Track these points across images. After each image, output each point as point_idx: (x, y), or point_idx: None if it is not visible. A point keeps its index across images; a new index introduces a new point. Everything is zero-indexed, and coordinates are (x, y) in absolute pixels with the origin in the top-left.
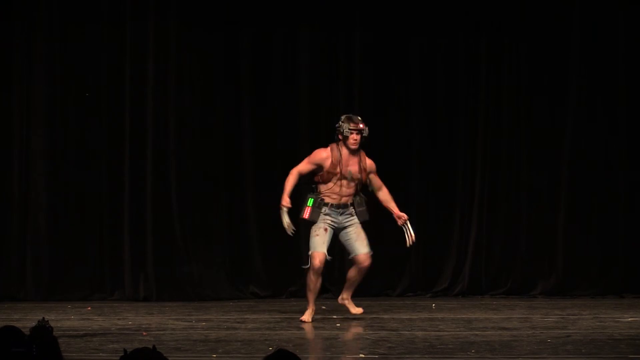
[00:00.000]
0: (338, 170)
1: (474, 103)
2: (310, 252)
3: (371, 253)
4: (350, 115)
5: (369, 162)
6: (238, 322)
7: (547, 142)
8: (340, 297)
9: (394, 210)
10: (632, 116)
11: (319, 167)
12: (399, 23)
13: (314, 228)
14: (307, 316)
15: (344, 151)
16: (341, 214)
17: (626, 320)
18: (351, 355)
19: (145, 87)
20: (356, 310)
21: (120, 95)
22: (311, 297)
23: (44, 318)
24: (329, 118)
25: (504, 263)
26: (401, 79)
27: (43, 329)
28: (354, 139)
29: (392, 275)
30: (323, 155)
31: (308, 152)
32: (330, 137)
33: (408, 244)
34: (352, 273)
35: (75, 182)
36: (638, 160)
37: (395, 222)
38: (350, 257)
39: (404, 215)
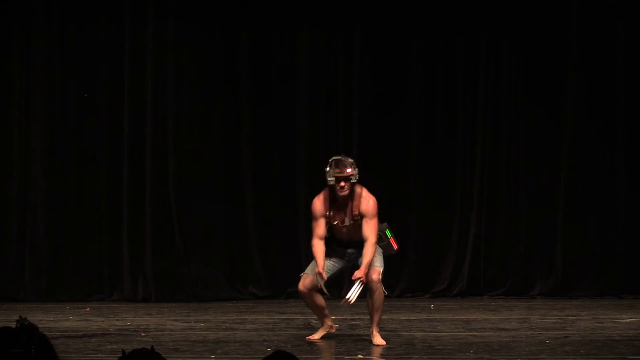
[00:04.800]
0: (330, 219)
1: (473, 103)
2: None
3: (380, 269)
4: (338, 158)
5: (363, 205)
6: (237, 323)
7: (546, 143)
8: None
9: (362, 267)
10: (630, 117)
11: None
12: (399, 23)
13: None
14: (313, 335)
15: (337, 195)
16: (349, 247)
17: (625, 321)
18: (350, 355)
19: (144, 87)
20: (377, 341)
21: (120, 95)
22: (316, 314)
23: (20, 316)
24: (328, 118)
25: (503, 264)
26: (401, 78)
27: (30, 328)
28: (340, 186)
29: (391, 276)
30: (318, 206)
31: (307, 152)
32: (329, 138)
33: (345, 299)
34: (367, 297)
35: (74, 182)
36: (636, 161)
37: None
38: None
39: (362, 276)
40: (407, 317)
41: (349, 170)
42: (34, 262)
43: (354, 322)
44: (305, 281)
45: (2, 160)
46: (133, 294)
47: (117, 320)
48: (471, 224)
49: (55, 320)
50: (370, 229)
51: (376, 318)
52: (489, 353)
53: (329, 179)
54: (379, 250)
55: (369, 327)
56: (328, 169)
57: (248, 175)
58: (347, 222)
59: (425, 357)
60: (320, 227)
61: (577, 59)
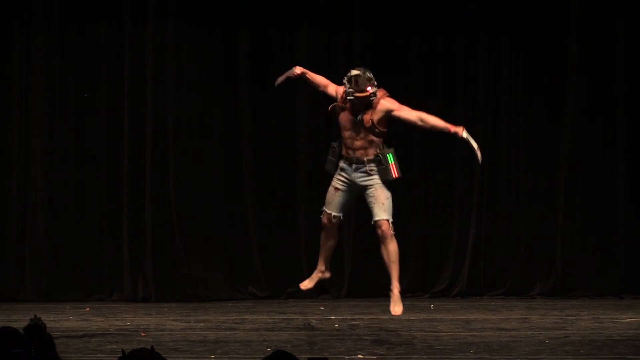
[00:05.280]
0: (337, 111)
1: (473, 103)
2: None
3: (390, 220)
4: (357, 74)
5: (383, 107)
6: (237, 323)
7: (546, 143)
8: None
9: (449, 129)
10: (630, 117)
11: (324, 94)
12: (399, 23)
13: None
14: (305, 282)
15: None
16: (355, 170)
17: (625, 320)
18: (350, 355)
19: (144, 87)
20: (394, 309)
21: (120, 95)
22: (320, 254)
23: (35, 315)
24: (328, 118)
25: (503, 264)
26: (401, 79)
27: (37, 327)
28: (355, 103)
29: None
30: (333, 87)
31: (307, 152)
32: (330, 138)
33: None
34: (381, 251)
35: (74, 182)
36: (637, 161)
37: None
38: (372, 223)
39: (459, 129)
40: (407, 317)
41: (368, 89)
42: (34, 262)
43: (354, 322)
44: (327, 217)
45: (2, 160)
46: (133, 294)
47: (117, 320)
48: (471, 224)
49: (55, 320)
50: (408, 111)
51: (394, 272)
52: (489, 353)
53: (347, 96)
54: (387, 194)
55: (388, 285)
56: (347, 83)
57: (248, 175)
58: (356, 125)
59: (425, 357)
60: (318, 78)
61: (577, 59)
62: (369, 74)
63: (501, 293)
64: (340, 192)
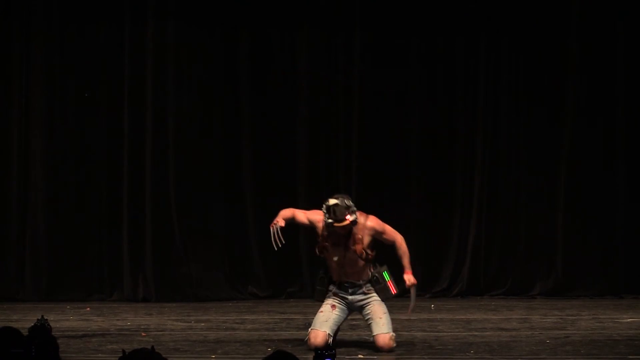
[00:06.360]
0: (325, 248)
1: (473, 103)
2: (309, 330)
3: (392, 334)
4: (337, 202)
5: (368, 231)
6: (237, 323)
7: (546, 143)
8: None
9: (405, 269)
10: (630, 117)
11: (311, 227)
12: (399, 23)
13: (322, 305)
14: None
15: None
16: (351, 294)
17: (625, 320)
18: (350, 355)
19: (144, 87)
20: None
21: (120, 95)
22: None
23: (42, 316)
24: (328, 118)
25: (503, 264)
26: (401, 79)
27: (42, 328)
28: (337, 231)
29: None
30: (317, 217)
31: (307, 152)
32: (329, 138)
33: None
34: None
35: (74, 182)
36: (637, 161)
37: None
38: (371, 339)
39: (413, 280)
40: (407, 317)
41: (348, 217)
42: (34, 262)
43: (353, 322)
44: (316, 340)
45: (2, 160)
46: (133, 294)
47: (118, 320)
48: (471, 224)
49: (55, 320)
50: (389, 235)
51: None
52: (489, 353)
53: (327, 227)
54: (384, 309)
55: None
56: (325, 214)
57: (248, 175)
58: (347, 255)
59: (425, 357)
60: (300, 216)
61: (577, 59)
62: (347, 202)
63: (501, 293)
64: (338, 309)
